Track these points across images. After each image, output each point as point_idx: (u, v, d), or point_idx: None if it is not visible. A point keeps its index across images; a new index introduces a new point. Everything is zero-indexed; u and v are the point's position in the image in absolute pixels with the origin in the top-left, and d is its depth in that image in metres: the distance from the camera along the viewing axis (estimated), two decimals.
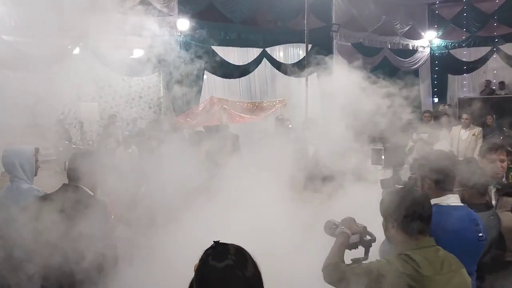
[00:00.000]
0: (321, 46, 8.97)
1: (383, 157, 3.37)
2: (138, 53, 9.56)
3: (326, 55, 8.42)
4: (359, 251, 2.37)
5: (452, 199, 2.59)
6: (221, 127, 7.46)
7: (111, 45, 8.85)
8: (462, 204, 2.61)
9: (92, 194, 2.89)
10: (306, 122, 6.48)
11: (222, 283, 1.44)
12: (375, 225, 2.34)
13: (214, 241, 1.52)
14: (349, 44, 12.56)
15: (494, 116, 10.88)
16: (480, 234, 2.53)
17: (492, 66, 14.25)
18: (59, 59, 8.36)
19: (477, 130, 8.24)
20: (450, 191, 2.60)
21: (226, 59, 9.93)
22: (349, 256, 2.29)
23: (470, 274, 2.45)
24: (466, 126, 8.17)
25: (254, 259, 1.49)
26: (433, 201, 2.54)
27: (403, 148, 3.59)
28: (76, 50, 8.67)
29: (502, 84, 13.79)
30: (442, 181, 2.58)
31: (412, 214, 2.15)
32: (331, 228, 2.40)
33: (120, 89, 11.25)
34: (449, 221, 2.50)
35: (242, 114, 9.59)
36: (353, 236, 2.35)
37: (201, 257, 1.49)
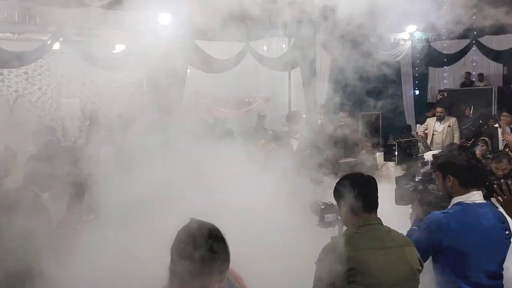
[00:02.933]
0: (304, 40, 8.98)
1: (396, 153, 3.29)
2: (120, 48, 9.43)
3: (309, 49, 8.41)
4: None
5: (477, 196, 2.51)
6: (218, 122, 7.44)
7: (92, 40, 8.71)
8: (486, 201, 2.54)
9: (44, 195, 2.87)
10: (289, 115, 6.46)
11: (196, 253, 1.60)
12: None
13: (190, 218, 1.73)
14: (332, 37, 12.58)
15: (472, 107, 11.14)
16: (507, 232, 2.48)
17: (471, 58, 14.49)
18: (38, 55, 8.19)
19: (452, 120, 8.40)
20: (474, 188, 2.53)
21: (209, 53, 9.86)
22: (329, 234, 2.44)
23: (497, 277, 2.44)
24: (441, 119, 8.30)
25: (225, 236, 1.72)
26: (457, 199, 2.52)
27: (417, 143, 3.52)
28: (56, 46, 8.50)
29: (481, 76, 14.05)
30: (466, 178, 2.52)
31: (357, 193, 2.26)
32: (316, 208, 2.51)
33: (102, 84, 11.09)
34: (476, 220, 2.43)
35: (221, 109, 9.62)
36: (329, 215, 2.46)
37: (178, 234, 1.69)
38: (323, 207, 2.52)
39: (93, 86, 11.01)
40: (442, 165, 2.63)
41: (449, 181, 2.54)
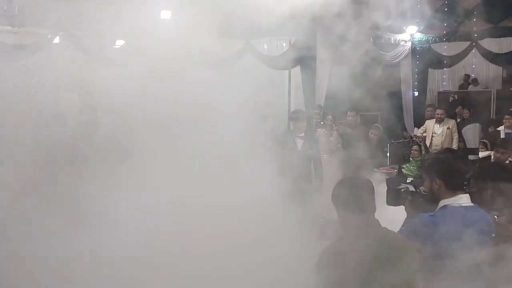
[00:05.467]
0: (304, 39, 8.96)
1: (388, 154, 3.25)
2: (120, 42, 9.39)
3: (309, 48, 8.39)
4: None
5: (464, 199, 2.49)
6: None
7: (92, 34, 8.69)
8: (473, 204, 2.52)
9: None
10: (293, 113, 6.39)
11: None
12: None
13: None
14: (333, 37, 12.58)
15: (470, 110, 11.16)
16: (493, 235, 2.47)
17: (470, 61, 14.51)
18: (38, 48, 8.17)
19: (451, 123, 8.42)
20: (461, 191, 2.52)
21: (209, 50, 9.84)
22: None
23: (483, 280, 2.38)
24: (440, 121, 8.31)
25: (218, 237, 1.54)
26: (444, 202, 2.50)
27: (409, 144, 3.48)
28: (56, 39, 8.48)
29: (475, 81, 14.09)
30: (453, 181, 2.50)
31: (354, 196, 2.29)
32: (319, 223, 2.56)
33: (101, 79, 11.02)
34: (463, 224, 2.40)
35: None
36: (330, 231, 2.50)
37: None
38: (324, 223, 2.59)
39: (92, 80, 10.96)
40: (429, 168, 2.62)
41: (436, 184, 2.53)
